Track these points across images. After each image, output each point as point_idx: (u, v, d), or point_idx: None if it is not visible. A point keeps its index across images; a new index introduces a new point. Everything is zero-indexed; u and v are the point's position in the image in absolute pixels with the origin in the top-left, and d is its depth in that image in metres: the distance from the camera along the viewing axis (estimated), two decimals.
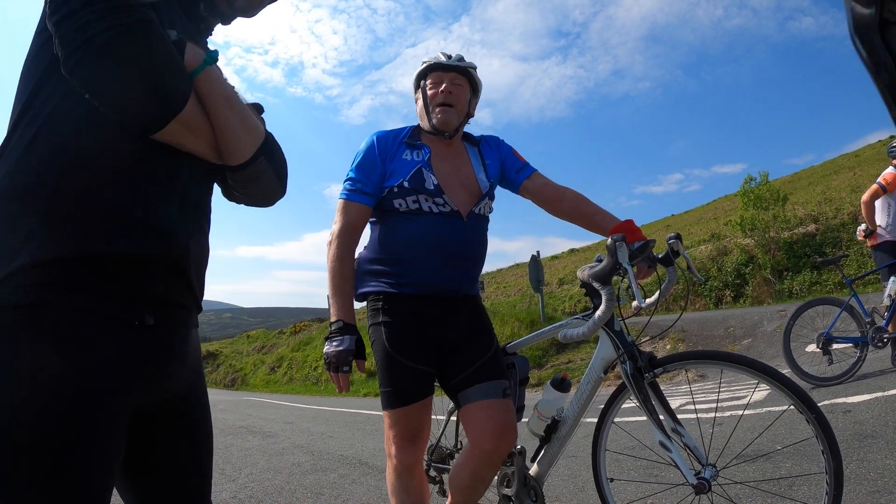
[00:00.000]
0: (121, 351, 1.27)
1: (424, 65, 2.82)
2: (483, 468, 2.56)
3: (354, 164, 2.72)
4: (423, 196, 2.63)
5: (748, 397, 6.19)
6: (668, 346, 12.78)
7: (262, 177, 1.52)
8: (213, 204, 1.62)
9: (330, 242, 2.63)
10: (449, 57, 2.79)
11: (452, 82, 2.78)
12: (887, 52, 0.78)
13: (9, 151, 1.27)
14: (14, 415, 1.12)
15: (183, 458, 1.52)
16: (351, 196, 2.66)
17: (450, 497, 2.74)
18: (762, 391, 6.18)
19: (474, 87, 2.86)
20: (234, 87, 1.45)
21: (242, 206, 1.65)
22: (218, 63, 1.43)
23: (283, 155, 1.60)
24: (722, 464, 2.54)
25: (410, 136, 2.79)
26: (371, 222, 2.81)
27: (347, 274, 2.61)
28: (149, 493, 1.48)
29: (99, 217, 1.25)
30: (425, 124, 2.82)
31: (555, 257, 41.65)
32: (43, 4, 1.22)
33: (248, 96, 1.54)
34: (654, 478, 4.14)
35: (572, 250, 43.31)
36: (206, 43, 1.62)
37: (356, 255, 2.81)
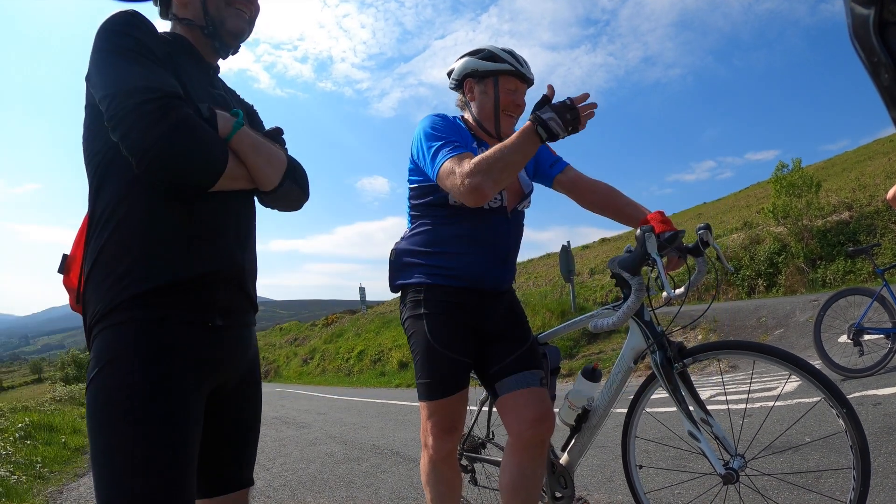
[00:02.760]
0: (199, 345, 1.72)
1: (508, 65, 2.68)
2: (528, 459, 2.57)
3: (439, 132, 2.56)
4: None
5: (779, 388, 6.15)
6: (700, 337, 12.71)
7: (290, 194, 1.93)
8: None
9: (472, 173, 2.31)
10: (522, 65, 2.71)
11: (524, 95, 2.76)
12: (886, 53, 0.80)
13: (100, 223, 1.71)
14: (131, 395, 1.56)
15: (239, 425, 1.94)
16: (458, 150, 2.45)
17: None
18: (793, 382, 6.14)
19: None
20: (257, 134, 1.85)
21: None
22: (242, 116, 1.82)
23: (303, 171, 2.00)
24: (751, 455, 2.55)
25: (469, 129, 2.75)
26: (414, 215, 2.80)
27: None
28: (207, 454, 1.82)
29: (180, 252, 1.69)
30: (487, 123, 2.76)
31: (586, 247, 41.22)
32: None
33: (269, 119, 1.92)
34: (682, 467, 4.15)
35: (603, 240, 42.85)
36: (220, 84, 2.04)
37: (393, 247, 2.84)
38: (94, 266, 1.69)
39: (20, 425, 10.10)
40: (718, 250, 2.68)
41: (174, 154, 1.56)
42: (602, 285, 22.39)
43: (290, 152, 1.98)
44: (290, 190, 1.91)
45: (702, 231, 2.66)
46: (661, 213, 2.59)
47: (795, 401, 5.65)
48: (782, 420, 4.75)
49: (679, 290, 2.62)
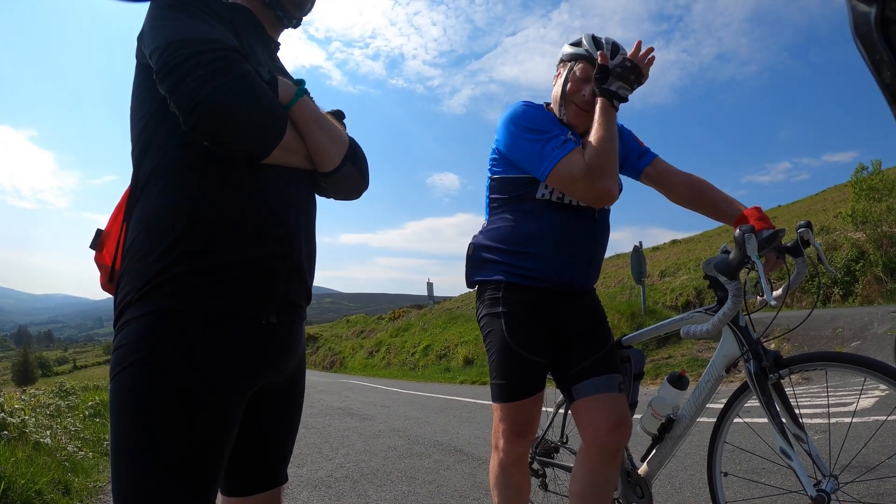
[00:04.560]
0: (250, 347, 1.55)
1: (583, 51, 2.56)
2: (600, 467, 2.44)
3: (537, 125, 2.46)
4: None
5: (855, 404, 5.89)
6: (773, 346, 12.25)
7: (349, 178, 1.77)
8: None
9: (594, 178, 2.29)
10: (611, 50, 2.52)
11: None
12: (888, 50, 0.80)
13: (145, 189, 1.53)
14: (167, 396, 1.42)
15: (280, 426, 1.80)
16: (567, 146, 2.36)
17: None
18: (870, 398, 5.87)
19: None
20: (319, 107, 1.72)
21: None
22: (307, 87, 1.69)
23: (364, 155, 1.84)
24: (840, 476, 2.35)
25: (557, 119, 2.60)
26: (495, 208, 2.67)
27: None
28: (243, 454, 1.72)
29: (235, 230, 1.52)
30: (555, 108, 2.63)
31: (656, 248, 40.58)
32: (136, 67, 1.56)
33: (327, 104, 1.81)
34: (761, 478, 3.98)
35: (674, 241, 42.17)
36: (279, 61, 1.89)
37: (471, 241, 2.72)
38: (136, 239, 1.52)
39: (90, 403, 10.59)
40: (820, 250, 2.55)
41: (230, 111, 1.39)
42: (672, 288, 21.97)
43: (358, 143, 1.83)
44: (351, 173, 1.76)
45: (802, 229, 2.52)
46: (758, 209, 2.45)
47: (872, 418, 5.37)
48: (860, 437, 4.49)
49: (777, 293, 2.45)
